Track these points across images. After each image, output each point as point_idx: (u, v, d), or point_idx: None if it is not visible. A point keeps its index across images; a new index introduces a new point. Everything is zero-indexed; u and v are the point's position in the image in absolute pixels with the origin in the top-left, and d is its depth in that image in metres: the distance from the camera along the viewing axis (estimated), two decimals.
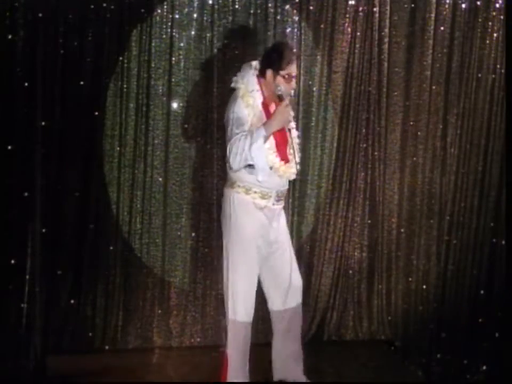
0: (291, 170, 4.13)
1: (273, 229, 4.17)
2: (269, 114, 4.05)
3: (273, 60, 4.05)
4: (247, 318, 4.17)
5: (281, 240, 4.24)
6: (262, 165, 3.97)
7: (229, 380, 4.20)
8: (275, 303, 4.31)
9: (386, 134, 5.12)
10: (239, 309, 4.14)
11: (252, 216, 4.09)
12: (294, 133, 4.20)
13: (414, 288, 5.28)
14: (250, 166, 3.99)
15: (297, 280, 4.32)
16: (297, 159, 4.13)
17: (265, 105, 4.08)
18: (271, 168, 4.02)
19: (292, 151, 4.12)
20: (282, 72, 4.02)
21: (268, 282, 4.30)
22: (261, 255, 4.17)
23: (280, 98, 3.97)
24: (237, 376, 4.19)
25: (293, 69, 4.05)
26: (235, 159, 3.91)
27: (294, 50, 4.26)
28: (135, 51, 4.68)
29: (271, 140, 4.01)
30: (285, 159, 4.10)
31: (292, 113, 4.14)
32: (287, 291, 4.27)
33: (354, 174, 5.12)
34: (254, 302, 4.20)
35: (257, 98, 4.05)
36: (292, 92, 4.17)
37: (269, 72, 4.05)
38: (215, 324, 4.94)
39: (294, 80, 4.08)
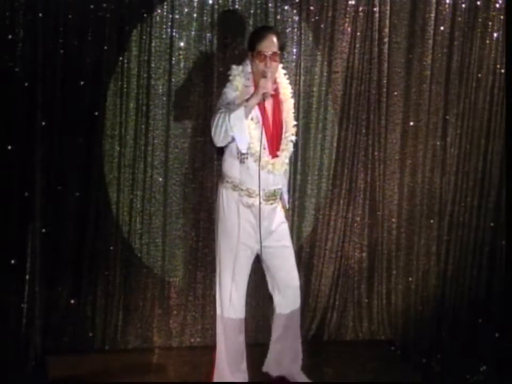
0: (278, 165, 4.11)
1: (263, 229, 4.14)
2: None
3: (248, 42, 4.15)
4: (234, 314, 4.17)
5: (277, 237, 4.23)
6: (241, 134, 3.93)
7: (215, 376, 4.20)
8: (274, 304, 4.31)
9: (386, 134, 5.12)
10: (225, 304, 4.17)
11: (238, 213, 4.11)
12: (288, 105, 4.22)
13: (414, 288, 5.28)
14: (243, 154, 4.01)
15: (294, 284, 4.32)
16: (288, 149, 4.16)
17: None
18: (257, 159, 4.00)
19: (284, 145, 4.13)
20: (255, 52, 4.04)
21: (268, 282, 4.31)
22: (250, 252, 4.17)
23: (265, 76, 3.96)
24: (224, 373, 4.20)
25: (263, 47, 4.02)
26: (216, 132, 3.94)
27: (270, 30, 4.20)
28: (135, 51, 4.67)
29: (260, 130, 4.00)
30: (273, 154, 4.09)
31: (270, 87, 4.00)
32: (284, 294, 4.28)
33: (354, 174, 5.11)
34: (242, 299, 4.20)
35: (248, 85, 4.08)
36: (271, 73, 4.06)
37: (249, 55, 4.10)
38: (215, 323, 4.93)
39: (268, 59, 4.02)
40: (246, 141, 3.96)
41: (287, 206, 4.52)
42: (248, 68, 4.13)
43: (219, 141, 3.99)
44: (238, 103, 3.96)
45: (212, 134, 3.97)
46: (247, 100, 3.93)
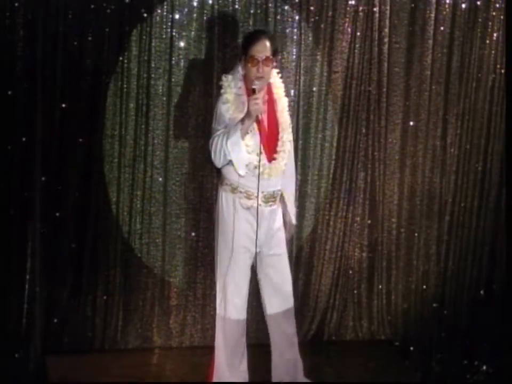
0: (276, 169, 4.10)
1: (263, 230, 4.14)
2: None
3: (241, 46, 4.13)
4: (235, 315, 4.17)
5: (276, 244, 4.23)
6: (239, 160, 3.96)
7: (215, 377, 4.19)
8: (266, 306, 4.30)
9: (386, 134, 5.12)
10: (227, 305, 4.16)
11: (237, 215, 4.11)
12: (285, 124, 4.19)
13: (414, 288, 5.28)
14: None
15: (288, 285, 4.31)
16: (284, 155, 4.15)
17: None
18: (255, 167, 4.01)
19: (281, 147, 4.13)
20: (247, 56, 4.00)
21: (261, 284, 4.30)
22: (250, 254, 4.16)
23: (253, 92, 3.92)
24: (223, 374, 4.19)
25: (256, 51, 3.97)
26: (215, 156, 3.98)
27: (263, 34, 4.12)
28: (135, 51, 4.67)
29: (257, 139, 4.00)
30: (270, 158, 4.09)
31: (262, 108, 4.00)
32: (278, 295, 4.27)
33: (354, 174, 5.12)
34: (244, 300, 4.19)
35: (241, 94, 4.06)
36: (264, 78, 4.04)
37: (242, 60, 4.06)
38: (215, 323, 4.93)
39: (261, 64, 3.97)
40: (244, 164, 3.99)
41: (294, 221, 4.43)
42: (239, 75, 4.11)
43: (220, 164, 4.05)
44: (234, 124, 3.94)
45: (212, 158, 4.02)
46: (242, 122, 3.92)
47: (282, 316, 4.29)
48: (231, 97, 4.06)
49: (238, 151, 3.93)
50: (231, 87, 4.08)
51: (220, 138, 3.94)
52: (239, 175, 4.03)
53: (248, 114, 3.91)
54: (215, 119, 4.08)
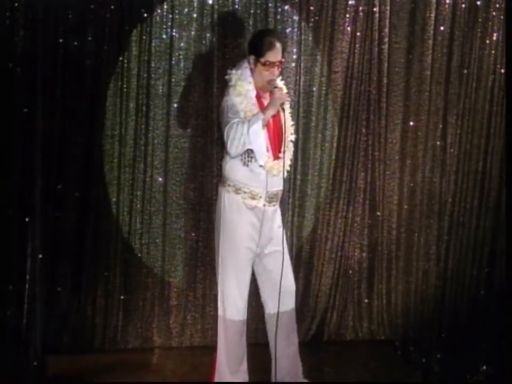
0: (282, 166, 4.11)
1: (266, 230, 4.15)
2: (262, 105, 4.06)
3: (253, 46, 4.09)
4: (237, 316, 4.17)
5: (276, 243, 4.22)
6: (261, 148, 3.96)
7: (216, 377, 4.20)
8: (269, 306, 4.30)
9: (386, 134, 5.12)
10: (229, 307, 4.16)
11: (241, 216, 4.10)
12: (287, 117, 4.21)
13: (414, 288, 5.28)
14: (247, 157, 4.01)
15: (290, 285, 4.32)
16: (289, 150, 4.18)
17: (258, 96, 4.09)
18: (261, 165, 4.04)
19: (286, 145, 4.13)
20: (262, 60, 4.02)
21: (262, 284, 4.30)
22: (252, 255, 4.17)
23: (274, 86, 4.00)
24: (224, 374, 4.20)
25: (272, 57, 4.01)
26: (233, 144, 3.92)
27: (277, 37, 4.13)
28: (135, 51, 4.68)
29: (265, 135, 4.01)
30: (276, 156, 4.10)
31: (286, 96, 4.14)
32: (281, 294, 4.26)
33: (354, 174, 5.11)
34: (245, 301, 4.20)
35: (250, 89, 4.07)
36: (278, 79, 4.16)
37: (252, 59, 4.07)
38: (215, 323, 4.92)
39: (275, 68, 4.04)
40: (264, 154, 4.00)
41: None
42: (247, 71, 4.10)
43: (236, 153, 3.99)
44: (254, 114, 3.95)
45: (228, 146, 3.95)
46: (263, 112, 3.93)
47: (284, 315, 4.29)
48: (243, 90, 4.05)
49: (259, 140, 3.93)
50: (241, 80, 4.07)
51: (240, 126, 3.90)
52: (255, 172, 4.03)
53: (272, 103, 3.94)
54: (226, 110, 4.01)
